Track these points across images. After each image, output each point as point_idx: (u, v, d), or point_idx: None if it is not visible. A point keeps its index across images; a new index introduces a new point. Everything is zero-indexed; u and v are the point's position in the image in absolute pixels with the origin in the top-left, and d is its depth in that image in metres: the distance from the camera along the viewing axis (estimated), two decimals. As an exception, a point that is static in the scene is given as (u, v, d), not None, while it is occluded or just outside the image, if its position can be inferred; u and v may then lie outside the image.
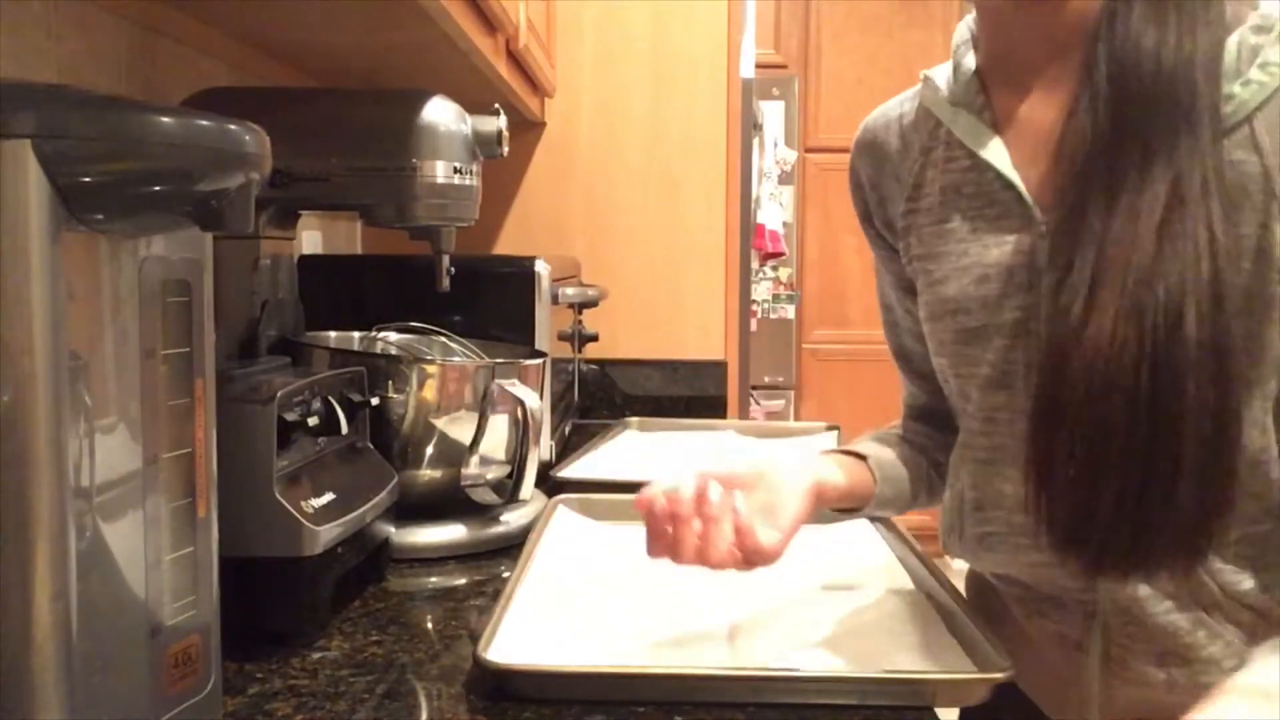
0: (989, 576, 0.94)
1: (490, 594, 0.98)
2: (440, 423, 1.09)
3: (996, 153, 0.80)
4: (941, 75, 0.86)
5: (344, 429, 0.94)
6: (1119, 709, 0.83)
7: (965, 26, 0.85)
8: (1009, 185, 0.79)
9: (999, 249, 0.80)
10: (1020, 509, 0.76)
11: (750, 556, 0.78)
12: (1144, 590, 0.79)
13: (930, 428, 1.00)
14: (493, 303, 1.42)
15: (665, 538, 0.79)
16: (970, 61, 0.83)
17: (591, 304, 1.76)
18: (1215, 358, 0.66)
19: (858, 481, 0.92)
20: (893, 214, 0.90)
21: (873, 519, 1.11)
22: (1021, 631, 0.90)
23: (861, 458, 0.94)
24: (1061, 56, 0.77)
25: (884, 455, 0.95)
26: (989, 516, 0.85)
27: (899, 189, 0.89)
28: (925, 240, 0.86)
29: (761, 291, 4.09)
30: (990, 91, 0.82)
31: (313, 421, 0.89)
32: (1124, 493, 0.68)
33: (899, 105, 0.92)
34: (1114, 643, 0.82)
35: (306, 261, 1.29)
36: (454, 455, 1.10)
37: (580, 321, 1.79)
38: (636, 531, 1.15)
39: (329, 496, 0.89)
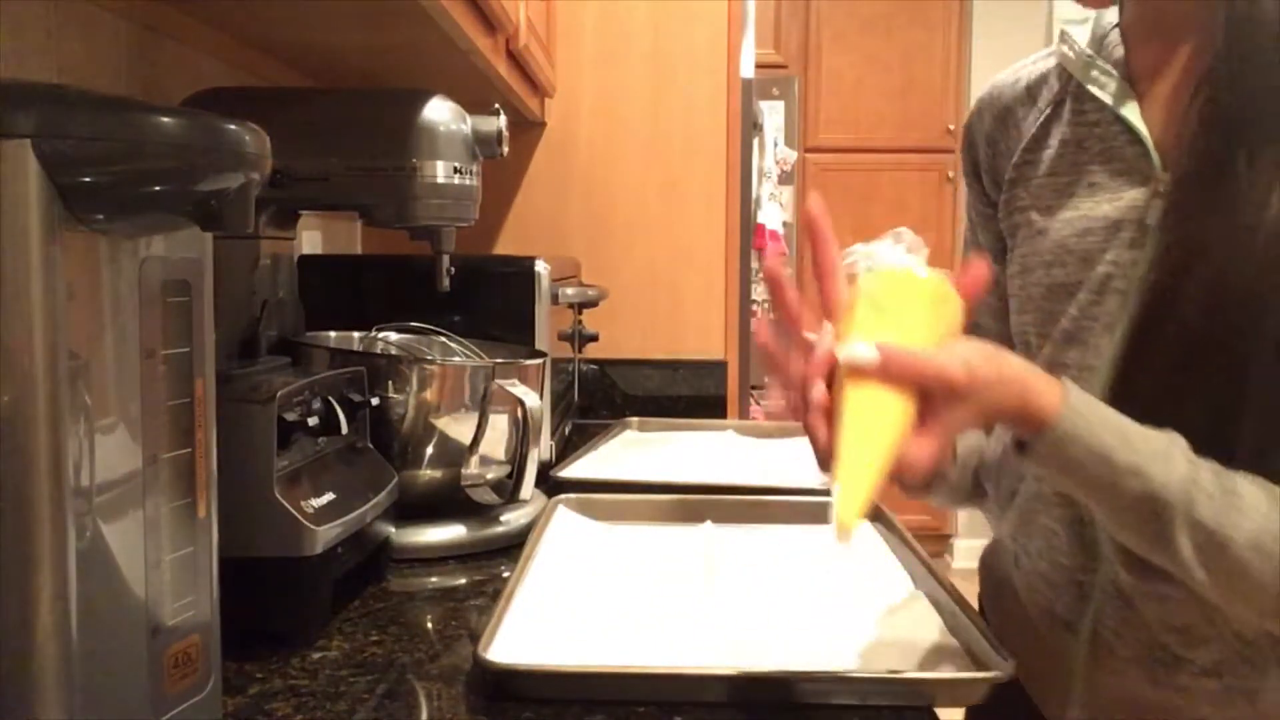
0: (1007, 540, 0.93)
1: (490, 594, 0.98)
2: (440, 423, 1.09)
3: (1129, 108, 0.81)
4: (1081, 33, 0.86)
5: (344, 429, 0.94)
6: (1102, 698, 0.83)
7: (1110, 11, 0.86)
8: (1137, 140, 0.80)
9: (1111, 203, 0.80)
10: None
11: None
12: (1144, 580, 0.79)
13: None
14: (493, 303, 1.42)
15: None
16: (1112, 16, 0.84)
17: (591, 304, 1.76)
18: None
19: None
20: (1003, 167, 0.90)
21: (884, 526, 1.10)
22: (1020, 609, 0.90)
23: None
24: (1203, 18, 0.76)
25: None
26: (1021, 474, 0.87)
27: (1017, 141, 0.90)
28: (1034, 191, 0.86)
29: (761, 291, 4.09)
30: (1130, 49, 0.83)
31: (313, 421, 0.89)
32: (1192, 427, 0.70)
33: (1030, 63, 0.93)
34: (1104, 626, 0.82)
35: (306, 261, 1.29)
36: (454, 455, 1.10)
37: (580, 321, 1.79)
38: (636, 531, 1.16)
39: (329, 496, 0.89)
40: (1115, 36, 0.83)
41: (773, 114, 4.06)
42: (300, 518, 0.83)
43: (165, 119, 0.55)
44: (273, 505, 0.82)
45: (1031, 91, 0.90)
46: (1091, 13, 0.86)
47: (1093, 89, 0.83)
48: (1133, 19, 0.83)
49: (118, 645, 0.56)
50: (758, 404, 2.77)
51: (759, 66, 2.81)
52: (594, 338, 1.83)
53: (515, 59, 1.60)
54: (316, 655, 0.81)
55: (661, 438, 1.70)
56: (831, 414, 0.65)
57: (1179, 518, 0.68)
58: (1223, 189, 0.71)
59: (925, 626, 0.86)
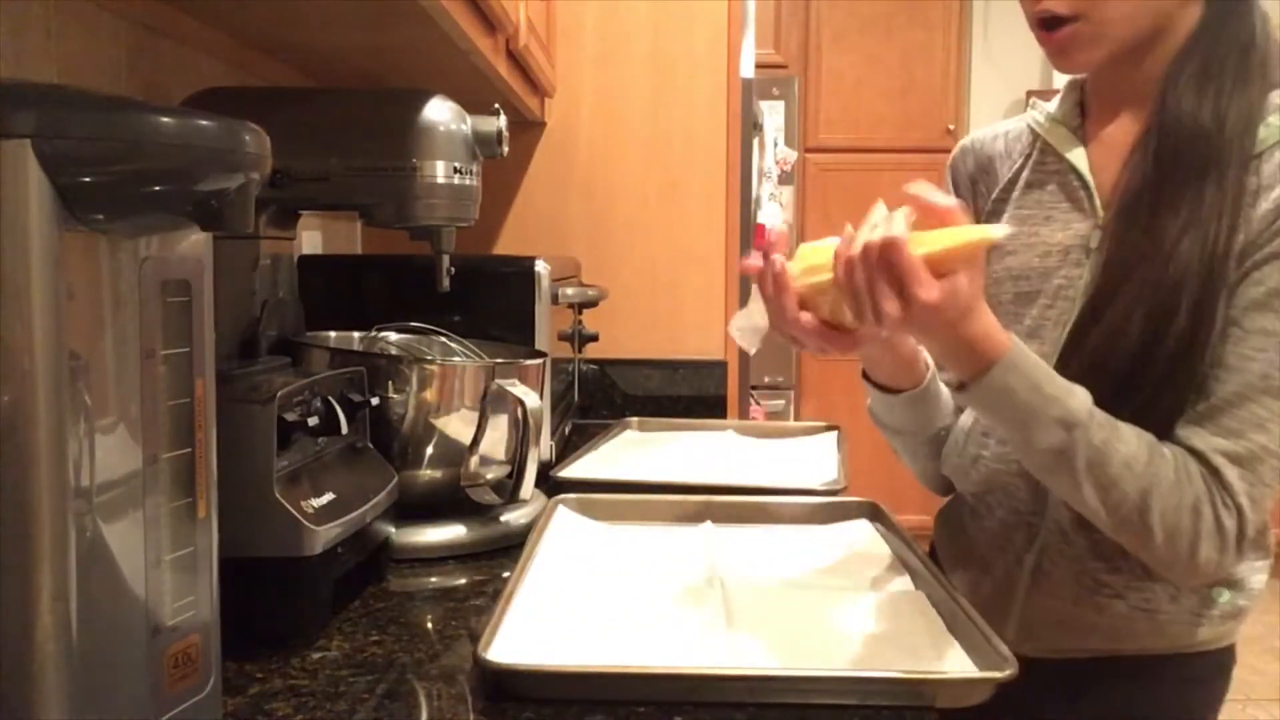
0: (967, 497, 1.13)
1: (490, 594, 0.98)
2: (440, 423, 1.09)
3: (1078, 157, 1.03)
4: (1047, 104, 1.11)
5: (344, 429, 0.94)
6: (1034, 618, 1.05)
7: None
8: (1084, 185, 1.02)
9: (1063, 232, 1.03)
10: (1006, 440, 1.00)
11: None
12: (1081, 521, 0.98)
13: None
14: (493, 303, 1.42)
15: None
16: (1077, 93, 1.08)
17: (591, 304, 1.76)
18: (1193, 331, 0.90)
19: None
20: (982, 204, 1.13)
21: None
22: (973, 550, 1.11)
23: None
24: (1142, 97, 0.98)
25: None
26: (985, 441, 1.07)
27: (995, 185, 1.12)
28: (1006, 222, 1.07)
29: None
30: (1086, 117, 1.06)
31: (313, 421, 0.89)
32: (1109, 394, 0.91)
33: (1004, 125, 1.17)
34: (1045, 558, 1.04)
35: (306, 261, 1.29)
36: (454, 455, 1.10)
37: (580, 321, 1.79)
38: (637, 531, 1.16)
39: (329, 496, 0.89)
40: (1072, 106, 1.07)
41: (773, 114, 4.06)
42: (300, 518, 0.83)
43: (165, 119, 0.54)
44: (273, 505, 0.82)
45: (1008, 147, 1.13)
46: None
47: (1053, 143, 1.06)
48: (1093, 90, 1.06)
49: (118, 645, 0.56)
50: (758, 404, 2.77)
51: (759, 66, 2.81)
52: (594, 338, 1.83)
53: (515, 59, 1.60)
54: (316, 655, 0.82)
55: (661, 438, 1.70)
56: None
57: (1080, 439, 0.88)
58: (1146, 223, 0.92)
59: (925, 626, 0.86)
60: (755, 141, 2.78)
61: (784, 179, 4.11)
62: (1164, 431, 0.92)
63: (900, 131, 4.59)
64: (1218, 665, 1.05)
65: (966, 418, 1.11)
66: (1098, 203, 1.01)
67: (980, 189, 1.14)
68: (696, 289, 2.08)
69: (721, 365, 2.08)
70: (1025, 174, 1.08)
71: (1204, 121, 0.92)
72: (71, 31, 1.00)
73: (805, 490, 1.31)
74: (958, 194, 1.15)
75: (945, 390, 1.11)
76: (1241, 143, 0.91)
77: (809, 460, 1.54)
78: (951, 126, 4.57)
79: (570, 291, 1.58)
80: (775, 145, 4.02)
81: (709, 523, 1.14)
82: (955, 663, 0.79)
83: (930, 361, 1.09)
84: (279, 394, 0.84)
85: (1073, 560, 1.02)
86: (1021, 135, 1.11)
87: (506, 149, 1.15)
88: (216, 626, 0.63)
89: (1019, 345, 0.88)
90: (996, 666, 0.75)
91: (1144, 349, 0.91)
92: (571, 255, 1.94)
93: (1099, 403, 0.90)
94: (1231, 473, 0.89)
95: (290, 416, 0.85)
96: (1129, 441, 0.89)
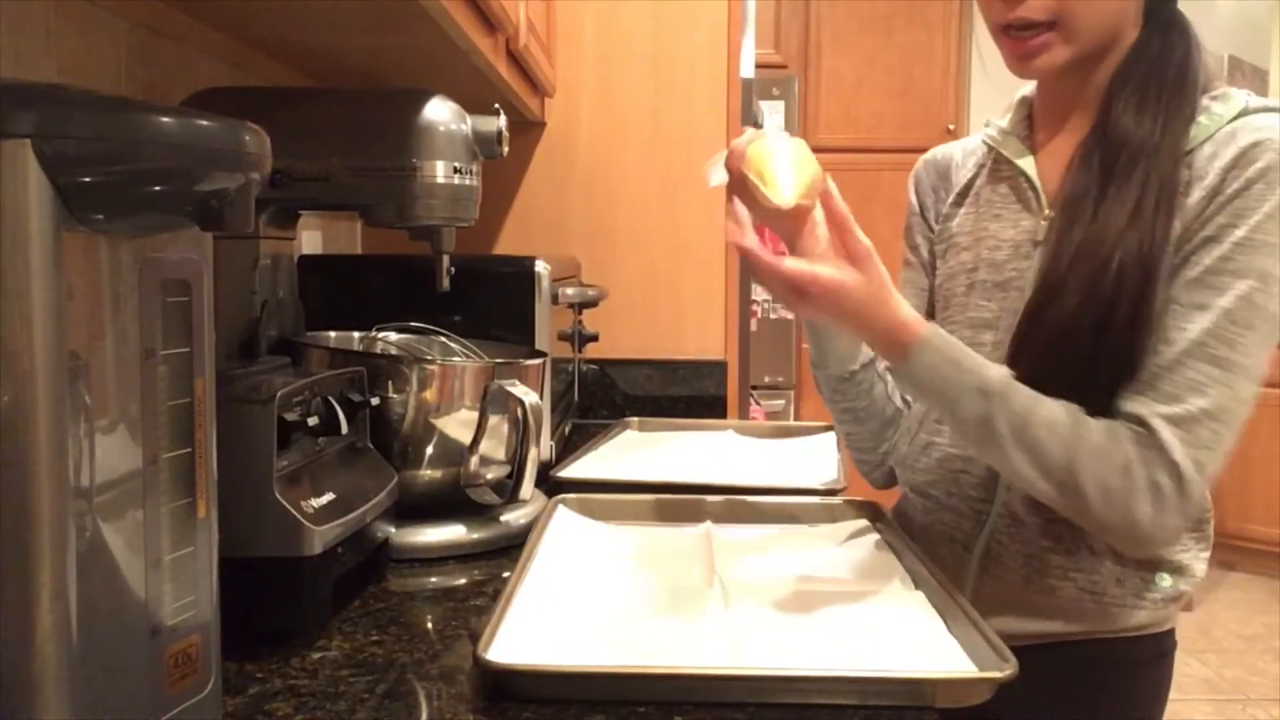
0: (909, 493, 1.21)
1: (490, 594, 0.98)
2: (440, 423, 1.09)
3: (1027, 163, 1.12)
4: (999, 120, 1.19)
5: (344, 429, 0.94)
6: (984, 601, 1.05)
7: (1030, 85, 1.17)
8: (1032, 187, 1.11)
9: (1013, 229, 1.11)
10: None
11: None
12: (1031, 503, 1.05)
13: None
14: (493, 303, 1.42)
15: None
16: (1026, 107, 1.17)
17: (591, 304, 1.76)
18: (1135, 314, 0.96)
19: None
20: (940, 209, 1.23)
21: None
22: (923, 539, 1.12)
23: None
24: (1087, 109, 1.07)
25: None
26: (939, 429, 1.14)
27: (951, 192, 1.22)
28: (962, 221, 1.18)
29: (761, 291, 4.09)
30: (1034, 129, 1.15)
31: (313, 421, 0.89)
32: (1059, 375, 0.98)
33: (964, 142, 1.27)
34: (995, 542, 1.09)
35: (306, 261, 1.29)
36: (454, 455, 1.10)
37: (580, 321, 1.79)
38: (637, 531, 1.16)
39: (329, 496, 0.89)
40: (1020, 119, 1.16)
41: (773, 114, 4.06)
42: (300, 518, 0.83)
43: (165, 119, 0.54)
44: (273, 505, 0.82)
45: (965, 158, 1.23)
46: (1026, 90, 1.17)
47: (1005, 153, 1.15)
48: (1041, 104, 1.15)
49: (118, 645, 0.56)
50: (757, 404, 2.78)
51: (759, 66, 2.81)
52: (594, 338, 1.83)
53: (515, 59, 1.60)
54: (316, 655, 0.82)
55: (661, 438, 1.70)
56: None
57: (999, 406, 0.95)
58: (1089, 216, 0.99)
59: (925, 626, 0.86)
60: (755, 141, 2.78)
61: (784, 179, 4.11)
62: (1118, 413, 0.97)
63: (900, 131, 4.59)
64: (1158, 649, 1.10)
65: (919, 406, 1.18)
66: (1044, 201, 1.09)
67: (940, 195, 1.24)
68: (696, 289, 2.08)
69: (721, 365, 2.08)
70: (980, 179, 1.18)
71: (1144, 130, 1.00)
72: (71, 31, 1.00)
73: (805, 490, 1.31)
74: (920, 202, 1.26)
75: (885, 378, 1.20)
76: (1176, 144, 0.98)
77: (809, 460, 1.54)
78: (951, 126, 4.57)
79: (570, 291, 1.58)
80: (775, 145, 4.01)
81: (709, 523, 1.14)
82: (955, 663, 0.79)
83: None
84: (279, 394, 0.84)
85: (1023, 542, 1.07)
86: (978, 149, 1.21)
87: (506, 149, 1.15)
88: (216, 626, 0.63)
89: (937, 329, 0.97)
90: (996, 666, 0.75)
91: (1092, 333, 0.96)
92: (571, 255, 1.94)
93: (1055, 387, 0.96)
94: (1168, 433, 0.93)
95: (290, 416, 0.85)
96: (1050, 408, 0.95)
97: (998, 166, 1.17)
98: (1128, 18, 1.05)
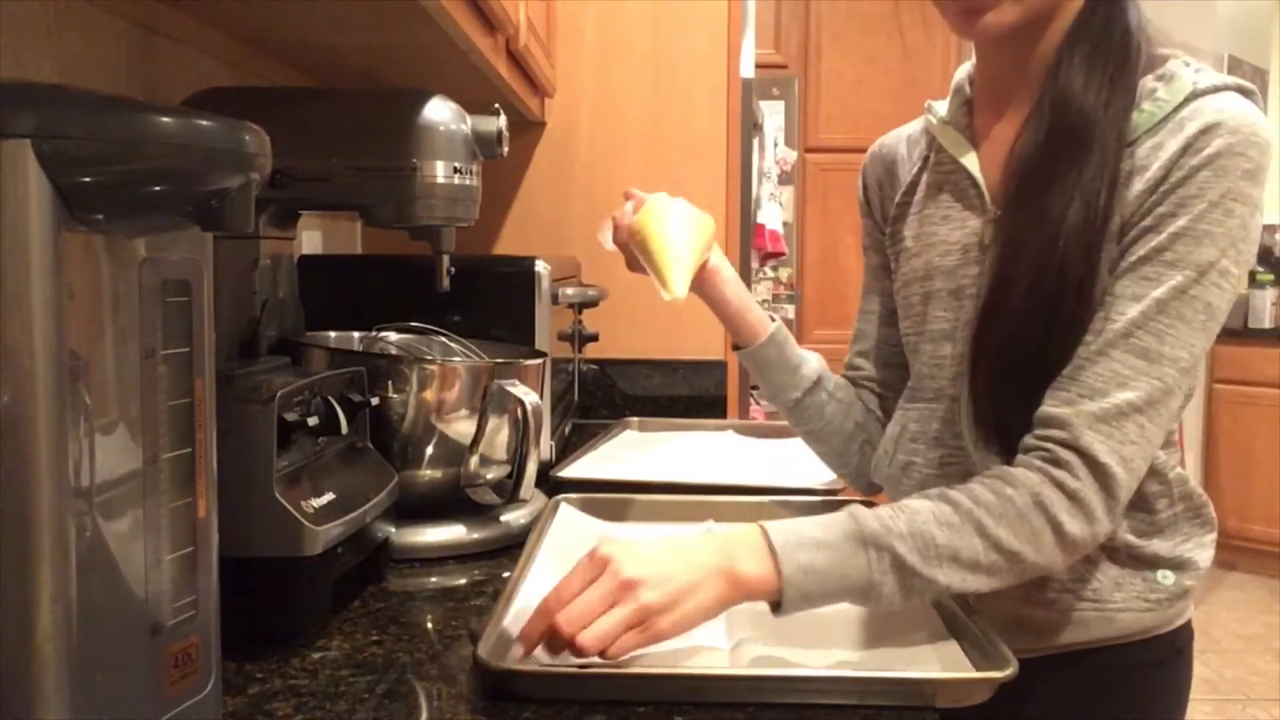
0: None
1: (490, 594, 0.98)
2: (440, 423, 1.09)
3: (970, 160, 1.06)
4: (940, 105, 1.13)
5: (344, 429, 0.94)
6: (984, 617, 0.98)
7: (965, 69, 1.11)
8: (975, 184, 1.05)
9: (960, 231, 1.06)
10: (938, 445, 1.06)
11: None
12: None
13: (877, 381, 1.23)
14: (493, 303, 1.42)
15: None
16: (964, 93, 1.10)
17: (591, 304, 1.76)
18: (1078, 308, 0.93)
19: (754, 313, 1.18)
20: (888, 208, 1.17)
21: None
22: None
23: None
24: (1028, 88, 1.01)
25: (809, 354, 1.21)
26: (915, 448, 1.09)
27: (897, 189, 1.16)
28: (910, 225, 1.13)
29: (761, 291, 4.10)
30: (974, 116, 1.09)
31: (313, 421, 0.89)
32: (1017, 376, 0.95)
33: (908, 128, 1.20)
34: None
35: (306, 261, 1.29)
36: (454, 455, 1.10)
37: (580, 321, 1.79)
38: (637, 531, 1.16)
39: (329, 496, 0.89)
40: (959, 106, 1.10)
41: (773, 114, 4.06)
42: (300, 518, 0.83)
43: (165, 119, 0.55)
44: (273, 505, 0.82)
45: (910, 149, 1.17)
46: (961, 75, 1.11)
47: (945, 146, 1.09)
48: (981, 85, 1.09)
49: (118, 645, 0.56)
50: (757, 404, 2.77)
51: (759, 66, 2.81)
52: (594, 338, 1.83)
53: (515, 59, 1.60)
54: (316, 655, 0.82)
55: (661, 438, 1.70)
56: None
57: (889, 578, 0.83)
58: (1034, 203, 0.96)
59: (925, 626, 0.86)
60: (755, 142, 2.78)
61: (784, 179, 4.12)
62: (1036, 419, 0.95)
63: (900, 132, 4.58)
64: (1173, 647, 1.06)
65: (894, 426, 1.13)
66: (988, 199, 1.04)
67: (886, 192, 1.20)
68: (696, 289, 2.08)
69: (721, 365, 2.08)
70: (924, 178, 1.13)
71: (1090, 101, 0.95)
72: (71, 31, 1.00)
73: (805, 490, 1.31)
74: (867, 199, 1.22)
75: (797, 353, 1.18)
76: (1119, 127, 0.94)
77: (809, 460, 1.53)
78: (951, 126, 4.56)
79: (570, 291, 1.58)
80: (775, 145, 4.02)
81: (709, 522, 1.14)
82: (955, 663, 0.79)
83: (770, 319, 1.18)
84: (279, 394, 0.84)
85: None
86: (921, 138, 1.16)
87: (506, 149, 1.15)
88: (216, 626, 0.63)
89: (781, 546, 0.83)
90: (997, 666, 0.75)
91: (1044, 336, 0.93)
92: (571, 255, 1.94)
93: (1016, 397, 0.94)
94: (1089, 435, 0.88)
95: (290, 416, 0.85)
96: (924, 510, 0.87)
97: (940, 161, 1.11)
98: None
